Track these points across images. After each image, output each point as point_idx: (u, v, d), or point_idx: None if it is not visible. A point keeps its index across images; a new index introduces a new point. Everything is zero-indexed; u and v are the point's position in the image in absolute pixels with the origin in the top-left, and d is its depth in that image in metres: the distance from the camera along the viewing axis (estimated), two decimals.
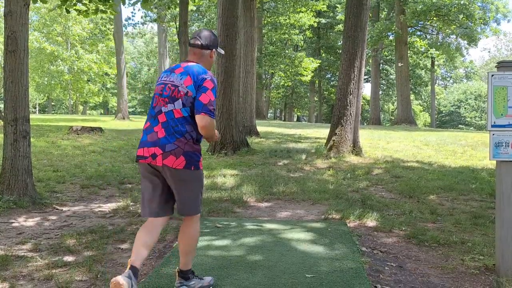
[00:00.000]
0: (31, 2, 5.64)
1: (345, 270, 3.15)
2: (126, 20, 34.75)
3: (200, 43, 2.82)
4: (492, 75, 3.27)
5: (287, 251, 3.60)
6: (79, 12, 8.62)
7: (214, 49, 2.89)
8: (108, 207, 5.27)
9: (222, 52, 3.05)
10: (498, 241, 3.28)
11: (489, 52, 59.96)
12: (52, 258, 3.44)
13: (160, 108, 2.69)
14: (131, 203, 5.32)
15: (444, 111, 55.40)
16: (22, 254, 3.55)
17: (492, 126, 3.27)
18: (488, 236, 4.17)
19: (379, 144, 12.17)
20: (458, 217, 4.91)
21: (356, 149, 9.36)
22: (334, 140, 9.26)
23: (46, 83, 35.84)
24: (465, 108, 52.66)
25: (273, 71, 28.36)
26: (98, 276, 3.08)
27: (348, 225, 4.51)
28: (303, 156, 9.14)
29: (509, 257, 3.23)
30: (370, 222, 4.64)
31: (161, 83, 2.76)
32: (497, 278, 3.20)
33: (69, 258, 3.44)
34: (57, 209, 5.13)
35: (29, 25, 5.53)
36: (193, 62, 2.81)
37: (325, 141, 10.20)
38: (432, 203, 5.61)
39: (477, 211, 5.18)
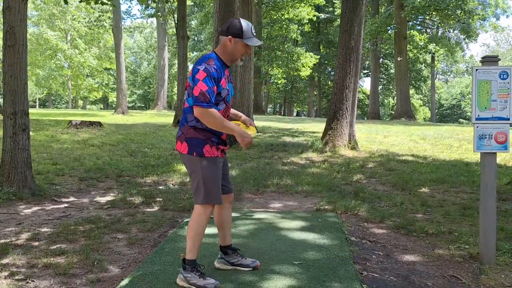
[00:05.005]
0: None
1: (332, 258, 3.26)
2: (124, 13, 34.66)
3: (221, 29, 2.78)
4: (477, 70, 3.36)
5: (277, 240, 3.71)
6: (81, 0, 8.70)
7: (231, 36, 2.69)
8: (105, 199, 5.38)
9: (254, 44, 2.74)
10: (481, 229, 3.39)
11: (488, 47, 59.87)
12: (50, 246, 3.56)
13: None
14: (128, 195, 5.43)
15: (445, 105, 55.42)
16: (22, 243, 3.67)
17: (476, 119, 3.37)
18: (475, 227, 4.28)
19: (376, 138, 12.26)
20: (447, 208, 5.02)
21: (351, 143, 9.45)
22: (329, 134, 9.34)
23: (46, 75, 35.95)
24: (466, 102, 52.70)
25: (269, 68, 28.21)
26: (95, 263, 3.20)
27: (339, 216, 4.62)
28: (299, 150, 9.25)
29: (492, 245, 3.35)
30: (361, 213, 4.75)
31: None
32: (480, 265, 3.31)
33: (67, 247, 3.56)
34: (55, 200, 5.25)
35: (28, 20, 5.63)
36: (214, 50, 2.80)
37: (321, 135, 10.29)
38: (424, 195, 5.72)
39: (467, 202, 5.29)
